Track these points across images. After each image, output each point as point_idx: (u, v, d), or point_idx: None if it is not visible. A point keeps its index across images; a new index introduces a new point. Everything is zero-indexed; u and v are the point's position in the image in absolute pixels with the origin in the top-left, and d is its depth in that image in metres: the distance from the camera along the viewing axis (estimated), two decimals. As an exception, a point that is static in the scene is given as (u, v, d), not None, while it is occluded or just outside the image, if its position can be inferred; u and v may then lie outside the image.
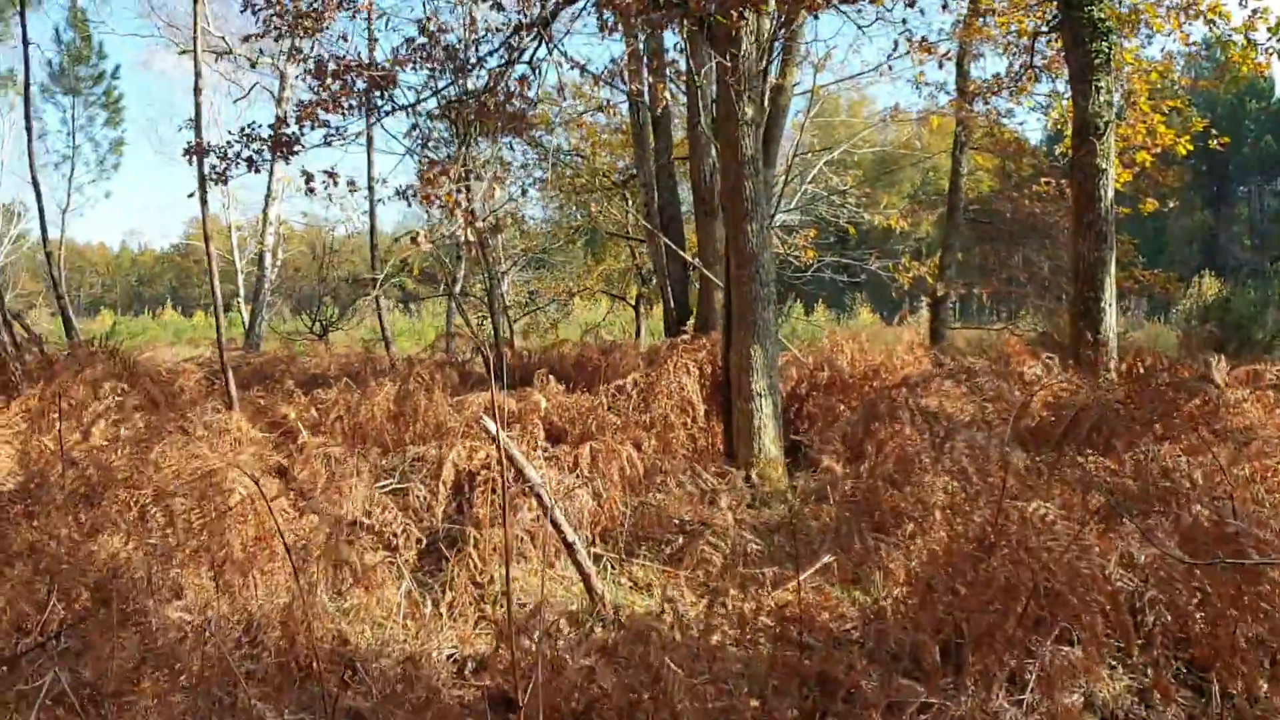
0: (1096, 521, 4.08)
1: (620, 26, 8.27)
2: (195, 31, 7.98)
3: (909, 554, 4.57)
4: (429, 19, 7.78)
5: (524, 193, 19.50)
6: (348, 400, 7.92)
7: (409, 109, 7.76)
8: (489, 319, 14.24)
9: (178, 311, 58.91)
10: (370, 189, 15.46)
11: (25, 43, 11.73)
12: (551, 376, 9.55)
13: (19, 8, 12.07)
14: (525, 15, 7.32)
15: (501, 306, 20.59)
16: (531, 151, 19.05)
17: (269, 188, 22.04)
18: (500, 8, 7.32)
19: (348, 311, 21.90)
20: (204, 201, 8.13)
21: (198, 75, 8.10)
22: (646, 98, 14.84)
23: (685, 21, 7.10)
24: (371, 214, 15.84)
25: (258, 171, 7.39)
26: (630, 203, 17.90)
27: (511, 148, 17.72)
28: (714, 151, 12.65)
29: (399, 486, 6.21)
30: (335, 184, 7.76)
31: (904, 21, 6.82)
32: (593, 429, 6.60)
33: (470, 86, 8.15)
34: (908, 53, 7.27)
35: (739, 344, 7.19)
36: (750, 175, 6.93)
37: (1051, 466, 4.56)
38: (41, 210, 13.40)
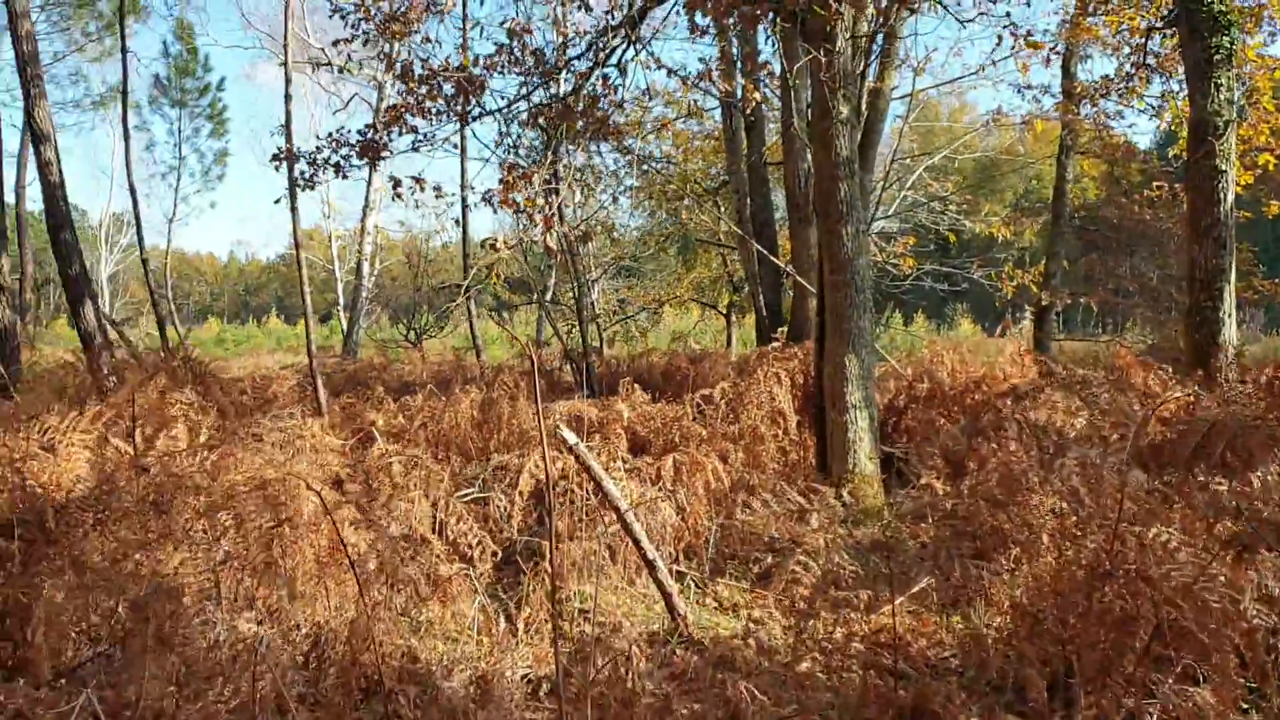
0: (1228, 550, 3.70)
1: (712, 27, 8.02)
2: (285, 38, 8.00)
3: (1013, 579, 4.22)
4: (514, 21, 7.67)
5: (615, 200, 19.44)
6: (433, 407, 7.84)
7: (496, 114, 7.65)
8: (577, 327, 14.09)
9: (281, 319, 60.51)
10: (463, 197, 15.47)
11: (124, 50, 11.99)
12: (638, 385, 9.36)
13: (119, 17, 12.35)
14: (613, 16, 7.14)
15: (590, 315, 20.54)
16: (622, 159, 18.99)
17: (366, 198, 22.40)
18: (588, 9, 7.16)
19: (441, 319, 22.07)
20: (294, 209, 8.14)
21: (288, 81, 8.12)
22: (739, 101, 14.62)
23: (778, 19, 6.84)
24: (464, 222, 15.83)
25: (345, 177, 7.36)
26: (722, 209, 17.64)
27: (599, 154, 17.64)
28: (808, 154, 12.34)
29: (480, 495, 6.07)
30: (422, 190, 7.70)
31: (1007, 15, 6.42)
32: (677, 440, 6.36)
33: (559, 91, 8.02)
34: (1012, 48, 6.86)
35: (833, 353, 6.88)
36: (846, 177, 6.63)
37: (1175, 488, 4.16)
38: (138, 218, 13.69)
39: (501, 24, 7.21)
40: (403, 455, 5.78)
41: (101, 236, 32.15)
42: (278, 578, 3.71)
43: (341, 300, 27.54)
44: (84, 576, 3.47)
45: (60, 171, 8.54)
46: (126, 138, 11.35)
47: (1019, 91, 14.22)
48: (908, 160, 16.89)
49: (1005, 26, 6.48)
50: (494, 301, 24.19)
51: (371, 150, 7.25)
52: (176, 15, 26.72)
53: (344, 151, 7.31)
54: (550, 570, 3.88)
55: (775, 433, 7.06)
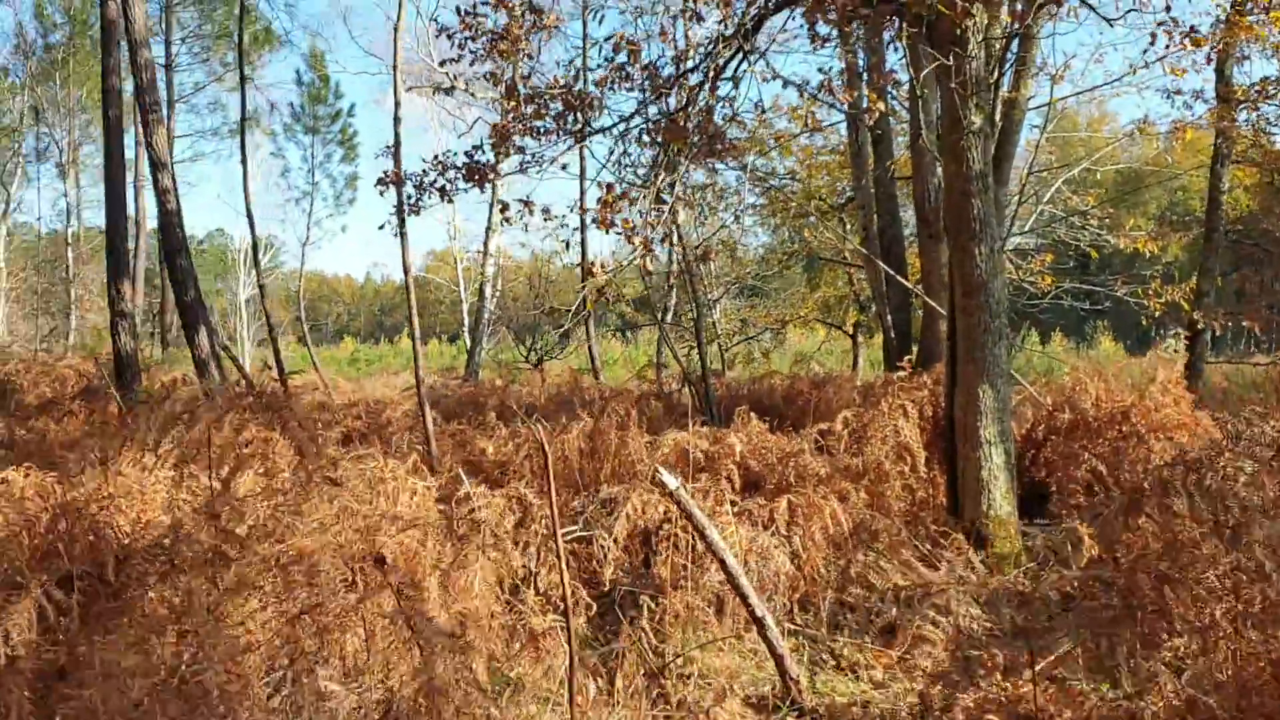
0: None
1: (834, 35, 7.60)
2: (395, 57, 7.89)
3: (1176, 659, 3.65)
4: (619, 35, 7.37)
5: (736, 219, 19.04)
6: (530, 439, 7.54)
7: (606, 131, 7.35)
8: (696, 349, 13.73)
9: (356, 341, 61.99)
10: (580, 218, 15.29)
11: (242, 80, 12.22)
12: (754, 413, 8.93)
13: (237, 47, 12.58)
14: (726, 26, 6.76)
15: (709, 336, 20.14)
16: (744, 176, 18.56)
17: (489, 219, 22.52)
18: (699, 19, 6.79)
19: (563, 341, 22.02)
20: (402, 234, 8.02)
21: (397, 105, 8.01)
22: (863, 113, 14.08)
23: (904, 23, 6.35)
24: (584, 243, 15.73)
25: (450, 201, 7.16)
26: (848, 227, 17.05)
27: (717, 171, 17.28)
28: (938, 168, 11.73)
29: (582, 534, 5.73)
30: (530, 213, 7.46)
31: (1167, 8, 5.74)
32: (792, 479, 5.87)
33: (668, 107, 7.69)
34: (1165, 48, 6.18)
35: (965, 383, 6.32)
36: (979, 192, 6.08)
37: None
38: (255, 243, 13.93)
39: (607, 39, 6.90)
40: (494, 495, 5.48)
41: (240, 261, 33.29)
42: (352, 636, 3.44)
43: (467, 321, 27.83)
44: (144, 632, 3.25)
45: (177, 198, 8.64)
46: (244, 164, 11.51)
47: (1168, 97, 13.20)
48: (1045, 173, 16.01)
49: (1161, 24, 5.83)
50: (619, 321, 24.05)
51: (478, 173, 7.04)
52: (307, 48, 27.42)
53: (450, 175, 7.12)
54: (649, 627, 3.46)
55: (901, 470, 6.50)
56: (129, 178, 15.48)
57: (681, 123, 7.08)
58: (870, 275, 14.51)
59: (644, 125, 7.94)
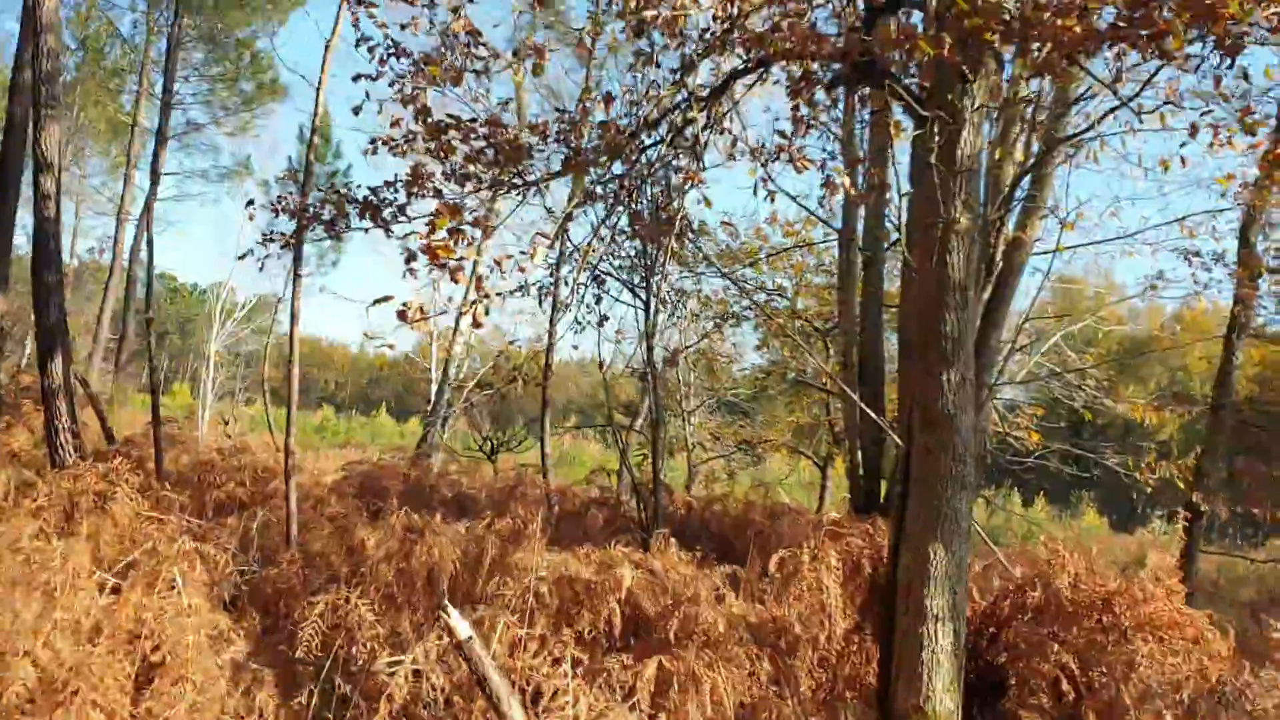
0: None
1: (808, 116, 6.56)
2: (321, 78, 6.87)
3: None
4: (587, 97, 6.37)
5: (717, 327, 18.01)
6: (408, 538, 6.28)
7: (536, 185, 6.27)
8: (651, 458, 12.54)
9: (393, 416, 60.49)
10: (554, 300, 14.18)
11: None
12: (701, 538, 7.70)
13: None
14: (683, 82, 5.74)
15: (676, 448, 18.89)
16: (733, 286, 17.60)
17: (465, 294, 21.51)
18: (656, 65, 5.77)
19: (516, 432, 20.89)
20: (297, 275, 6.91)
21: (314, 131, 6.97)
22: (860, 234, 13.16)
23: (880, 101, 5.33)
24: (552, 324, 14.67)
25: (338, 238, 6.06)
26: (831, 352, 16.03)
27: (694, 276, 16.35)
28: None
29: (390, 667, 4.43)
30: (441, 267, 6.34)
31: (1218, 80, 4.54)
32: (675, 632, 4.59)
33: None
34: (1210, 146, 5.14)
35: (914, 538, 5.10)
36: (955, 306, 4.96)
37: None
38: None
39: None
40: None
41: (216, 311, 32.23)
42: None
43: (433, 400, 26.65)
44: None
45: (58, 206, 7.51)
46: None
47: (1184, 259, 12.31)
48: (1046, 321, 15.06)
49: (1203, 113, 4.74)
50: (580, 419, 22.85)
51: (372, 209, 5.93)
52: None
53: (342, 207, 6.02)
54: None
55: (818, 636, 5.19)
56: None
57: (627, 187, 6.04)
58: (845, 406, 13.41)
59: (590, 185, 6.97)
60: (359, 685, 3.99)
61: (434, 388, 27.59)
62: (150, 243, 12.34)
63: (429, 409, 23.84)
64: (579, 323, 9.32)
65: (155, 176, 24.48)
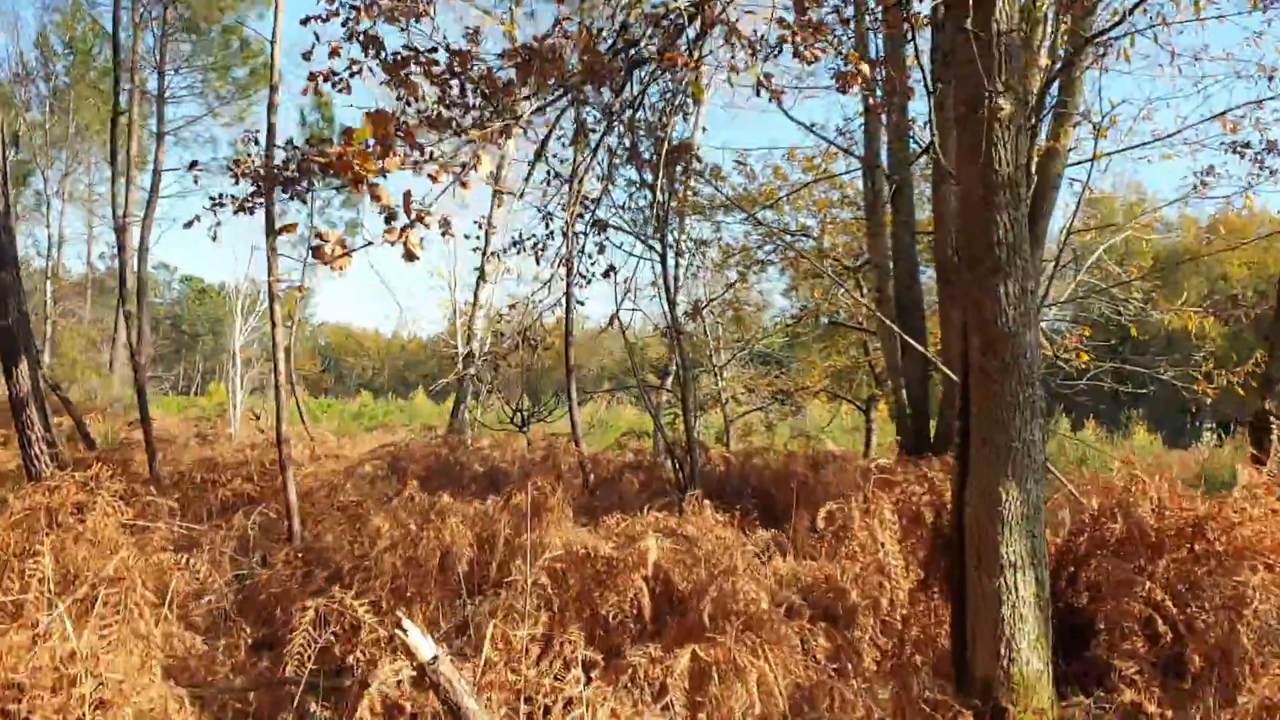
0: None
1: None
2: (275, 28, 6.20)
3: None
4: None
5: (742, 276, 17.28)
6: (414, 522, 5.66)
7: (519, 122, 5.58)
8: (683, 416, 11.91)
9: (431, 398, 60.36)
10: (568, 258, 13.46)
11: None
12: (739, 496, 7.07)
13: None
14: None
15: (698, 404, 18.22)
16: (754, 232, 16.84)
17: (481, 268, 20.90)
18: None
19: (546, 402, 20.33)
20: (272, 249, 6.27)
21: (273, 89, 6.32)
22: (884, 159, 12.37)
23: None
24: (568, 302, 13.96)
25: (300, 199, 5.42)
26: (864, 291, 15.25)
27: (713, 223, 15.66)
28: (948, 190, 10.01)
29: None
30: (421, 222, 5.72)
31: None
32: (719, 609, 3.90)
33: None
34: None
35: (980, 477, 4.43)
36: (1006, 205, 4.23)
37: None
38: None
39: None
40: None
41: (238, 308, 31.84)
42: None
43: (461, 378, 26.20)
44: None
45: (6, 199, 6.91)
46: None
47: (1233, 152, 11.42)
48: (1087, 234, 14.21)
49: None
50: (612, 383, 22.24)
51: (338, 166, 5.28)
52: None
53: (304, 168, 5.38)
54: None
55: (878, 600, 4.48)
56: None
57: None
58: (884, 343, 12.69)
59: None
60: (348, 704, 3.40)
61: (459, 365, 27.14)
62: (138, 234, 11.76)
63: (457, 386, 23.38)
64: (583, 276, 8.63)
65: (158, 174, 23.94)
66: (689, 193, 16.15)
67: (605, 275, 9.49)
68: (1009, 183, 4.25)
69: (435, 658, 2.40)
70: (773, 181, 16.91)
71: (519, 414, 20.69)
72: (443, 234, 6.15)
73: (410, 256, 3.51)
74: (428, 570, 5.30)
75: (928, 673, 4.50)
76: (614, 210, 13.45)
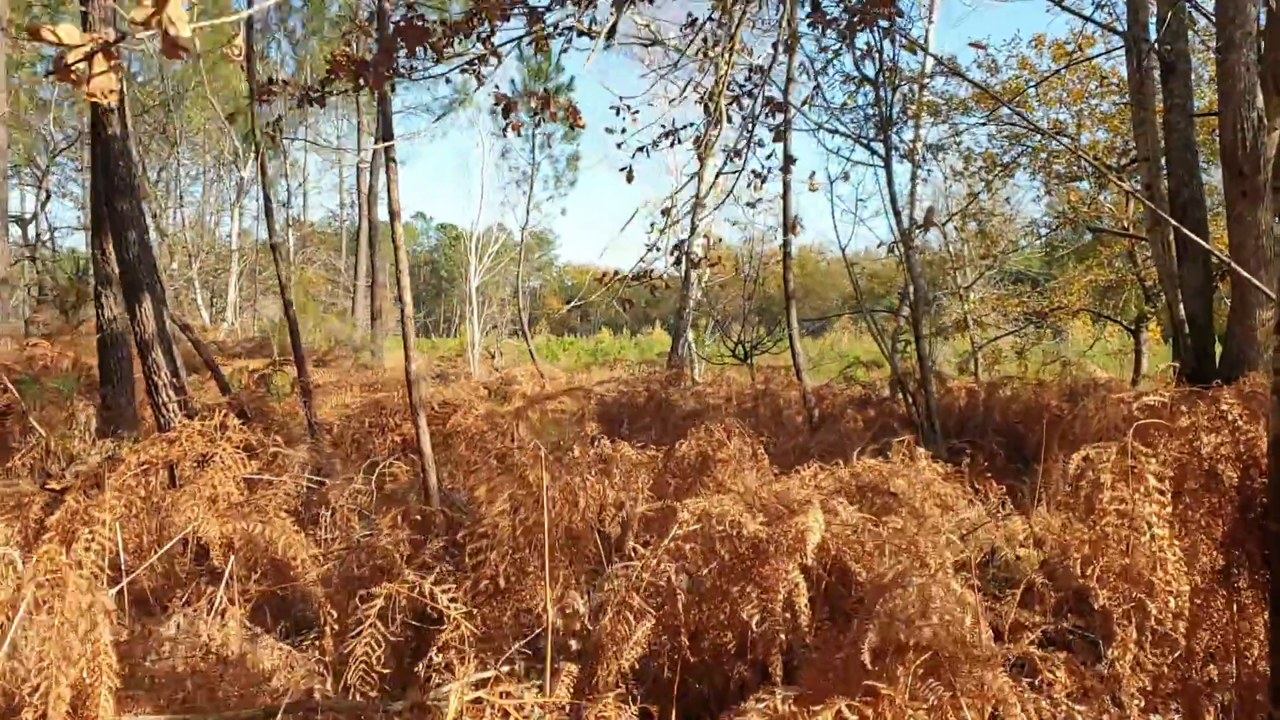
0: None
1: None
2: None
3: None
4: None
5: (987, 186, 15.32)
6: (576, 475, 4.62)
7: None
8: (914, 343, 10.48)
9: (669, 332, 60.81)
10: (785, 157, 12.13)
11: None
12: (980, 435, 5.64)
13: None
14: None
15: (932, 329, 16.45)
16: (996, 135, 14.87)
17: (697, 195, 19.90)
18: None
19: (761, 335, 19.23)
20: (390, 161, 5.40)
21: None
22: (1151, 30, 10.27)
23: None
24: (785, 220, 12.61)
25: (320, 105, 4.43)
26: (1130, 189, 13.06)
27: (950, 124, 13.83)
28: (1259, 93, 7.98)
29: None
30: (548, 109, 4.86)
31: None
32: (886, 638, 2.50)
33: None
34: None
35: (1313, 421, 2.93)
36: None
37: None
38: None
39: None
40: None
41: (472, 248, 32.29)
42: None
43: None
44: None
45: (124, 121, 6.30)
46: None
47: None
48: None
49: None
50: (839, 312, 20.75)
51: (441, 37, 4.26)
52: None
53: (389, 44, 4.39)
54: None
55: (1143, 603, 2.86)
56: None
57: None
58: (1156, 251, 10.66)
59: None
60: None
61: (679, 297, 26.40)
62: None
63: (675, 319, 22.63)
64: (757, 174, 7.27)
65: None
66: (922, 91, 14.42)
67: (784, 170, 8.11)
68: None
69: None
70: (1020, 74, 14.87)
71: (739, 346, 19.62)
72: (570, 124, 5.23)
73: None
74: (552, 542, 4.29)
75: (1227, 694, 3.07)
76: (831, 113, 11.98)
